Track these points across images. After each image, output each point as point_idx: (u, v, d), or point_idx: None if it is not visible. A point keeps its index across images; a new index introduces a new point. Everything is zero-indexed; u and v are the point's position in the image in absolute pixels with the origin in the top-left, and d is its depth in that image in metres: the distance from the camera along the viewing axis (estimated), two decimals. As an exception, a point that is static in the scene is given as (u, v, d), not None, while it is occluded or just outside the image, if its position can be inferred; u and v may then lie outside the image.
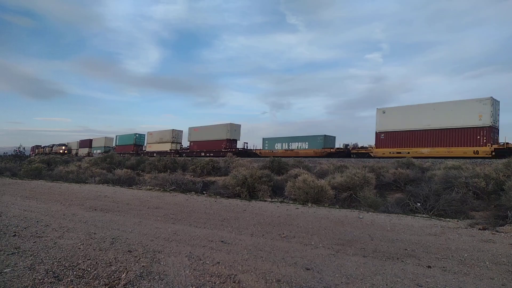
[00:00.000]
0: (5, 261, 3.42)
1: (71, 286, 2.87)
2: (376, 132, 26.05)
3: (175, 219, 6.14)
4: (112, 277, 3.09)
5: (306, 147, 32.41)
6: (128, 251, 3.89)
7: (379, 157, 24.18)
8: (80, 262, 3.46)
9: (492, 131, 20.89)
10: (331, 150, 30.13)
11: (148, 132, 52.00)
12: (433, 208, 7.52)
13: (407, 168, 13.81)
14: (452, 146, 22.09)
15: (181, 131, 47.47)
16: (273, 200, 9.42)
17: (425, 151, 23.17)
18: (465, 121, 21.52)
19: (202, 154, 39.75)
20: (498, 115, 21.82)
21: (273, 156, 22.85)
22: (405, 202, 8.33)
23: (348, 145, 29.80)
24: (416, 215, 7.06)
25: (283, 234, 5.08)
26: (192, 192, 10.75)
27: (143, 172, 19.33)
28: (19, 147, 40.95)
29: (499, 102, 21.78)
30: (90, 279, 3.03)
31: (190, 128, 44.05)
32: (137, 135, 54.05)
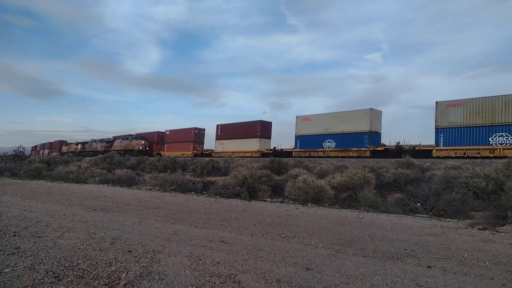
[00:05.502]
0: (5, 261, 3.42)
1: (71, 286, 2.87)
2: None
3: (175, 219, 6.14)
4: (112, 277, 3.09)
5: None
6: (128, 251, 3.88)
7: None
8: (80, 262, 3.46)
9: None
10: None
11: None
12: (433, 208, 7.52)
13: (407, 168, 13.81)
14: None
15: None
16: (273, 200, 9.42)
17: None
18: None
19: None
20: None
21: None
22: (405, 202, 8.33)
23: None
24: (416, 215, 7.06)
25: (283, 234, 5.08)
26: (192, 192, 10.74)
27: (143, 172, 19.33)
28: (18, 147, 40.79)
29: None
30: (90, 279, 3.03)
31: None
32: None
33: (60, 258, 3.55)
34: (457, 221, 6.34)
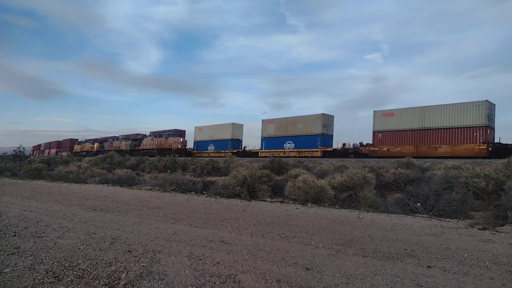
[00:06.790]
0: (5, 261, 3.42)
1: (71, 286, 2.87)
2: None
3: (175, 219, 6.14)
4: (112, 277, 3.09)
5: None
6: (128, 251, 3.88)
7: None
8: (80, 262, 3.45)
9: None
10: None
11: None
12: (433, 208, 7.52)
13: (407, 168, 13.81)
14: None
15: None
16: (273, 200, 9.42)
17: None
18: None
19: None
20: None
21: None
22: (405, 202, 8.33)
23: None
24: (416, 215, 7.06)
25: (283, 234, 5.08)
26: (192, 192, 10.74)
27: (143, 172, 19.32)
28: (18, 147, 40.68)
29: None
30: (90, 279, 3.03)
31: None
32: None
33: (60, 258, 3.54)
34: (457, 221, 6.34)
